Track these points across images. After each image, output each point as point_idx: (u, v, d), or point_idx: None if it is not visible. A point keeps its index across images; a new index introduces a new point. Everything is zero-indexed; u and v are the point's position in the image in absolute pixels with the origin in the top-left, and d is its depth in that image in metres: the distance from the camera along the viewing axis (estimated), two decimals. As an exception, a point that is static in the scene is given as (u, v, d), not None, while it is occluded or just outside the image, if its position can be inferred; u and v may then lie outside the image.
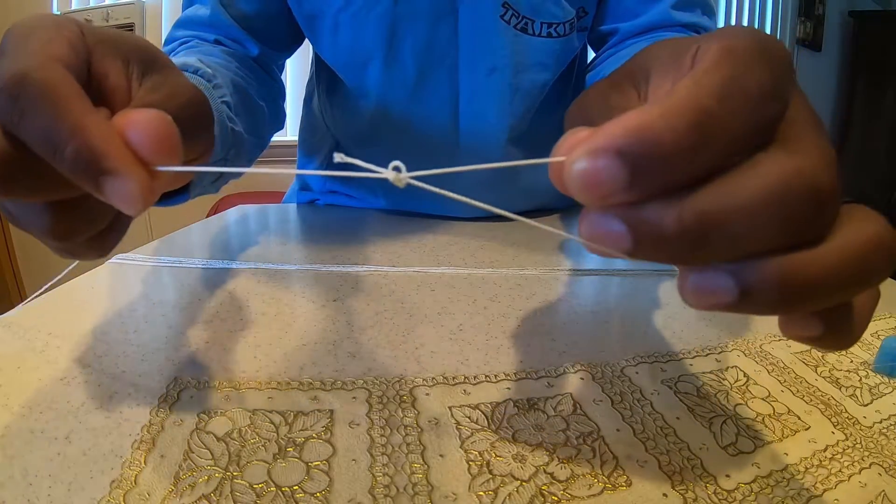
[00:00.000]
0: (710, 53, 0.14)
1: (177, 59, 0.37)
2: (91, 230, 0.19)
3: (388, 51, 0.50)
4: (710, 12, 0.55)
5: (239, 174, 0.46)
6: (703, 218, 0.13)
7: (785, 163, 0.13)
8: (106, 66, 0.20)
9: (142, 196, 0.16)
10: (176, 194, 0.31)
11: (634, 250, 0.14)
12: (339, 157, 0.16)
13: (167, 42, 0.51)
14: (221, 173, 0.37)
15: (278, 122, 0.56)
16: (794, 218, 0.13)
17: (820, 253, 0.13)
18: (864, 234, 0.14)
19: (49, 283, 0.35)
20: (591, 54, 0.60)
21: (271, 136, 0.55)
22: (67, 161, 0.15)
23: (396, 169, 0.15)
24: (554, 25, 0.51)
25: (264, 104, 0.48)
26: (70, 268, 0.31)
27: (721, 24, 2.09)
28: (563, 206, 0.65)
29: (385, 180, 0.15)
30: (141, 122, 0.16)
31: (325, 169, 0.67)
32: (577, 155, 0.13)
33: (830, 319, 0.15)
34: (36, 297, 0.36)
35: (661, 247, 0.13)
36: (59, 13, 1.61)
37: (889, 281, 0.43)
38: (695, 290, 0.14)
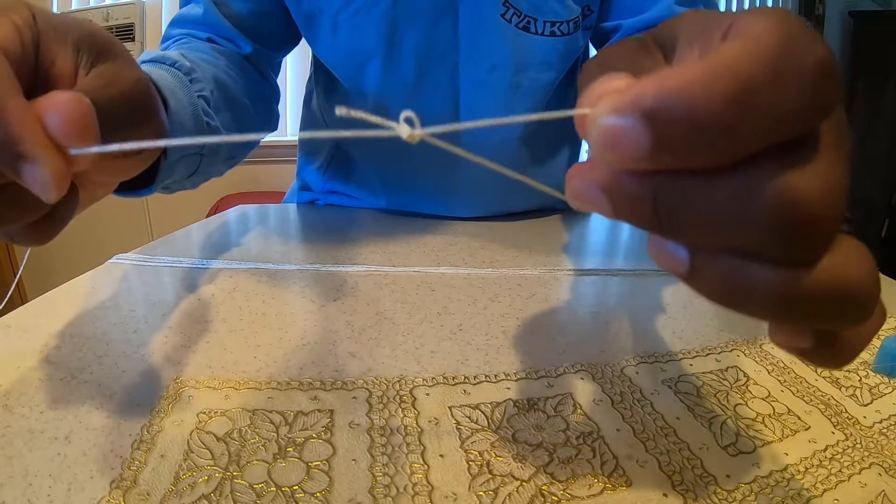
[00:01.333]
0: (759, 22, 0.12)
1: (158, 53, 0.36)
2: (25, 218, 0.18)
3: (389, 50, 0.50)
4: (713, 8, 0.54)
5: (221, 172, 0.45)
6: (678, 215, 0.12)
7: (781, 177, 0.12)
8: (54, 52, 0.20)
9: (55, 183, 0.16)
10: (141, 186, 0.31)
11: (613, 217, 0.14)
12: (341, 111, 0.14)
13: (164, 40, 0.51)
14: (196, 168, 0.36)
15: (269, 122, 0.56)
16: (771, 240, 0.12)
17: (784, 277, 0.13)
18: (835, 275, 0.13)
19: (17, 277, 0.35)
20: (592, 53, 0.60)
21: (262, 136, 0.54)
22: None
23: (408, 121, 0.14)
24: (557, 24, 0.51)
25: (250, 103, 0.48)
26: (24, 262, 0.31)
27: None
28: (564, 207, 0.65)
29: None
30: (55, 105, 0.16)
31: (327, 169, 0.66)
32: (602, 109, 0.12)
33: (821, 335, 0.15)
34: (11, 293, 0.36)
35: (636, 222, 0.13)
36: (58, 12, 1.61)
37: (889, 281, 0.43)
38: (655, 247, 0.14)
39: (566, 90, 0.58)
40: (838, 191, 0.12)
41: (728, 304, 0.14)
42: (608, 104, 0.12)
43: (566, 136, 0.64)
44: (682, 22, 0.17)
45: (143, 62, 0.35)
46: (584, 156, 0.77)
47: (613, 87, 0.12)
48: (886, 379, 0.30)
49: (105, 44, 0.21)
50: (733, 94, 0.11)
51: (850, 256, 0.13)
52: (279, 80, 0.59)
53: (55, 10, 1.62)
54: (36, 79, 0.19)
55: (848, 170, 0.13)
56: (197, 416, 0.25)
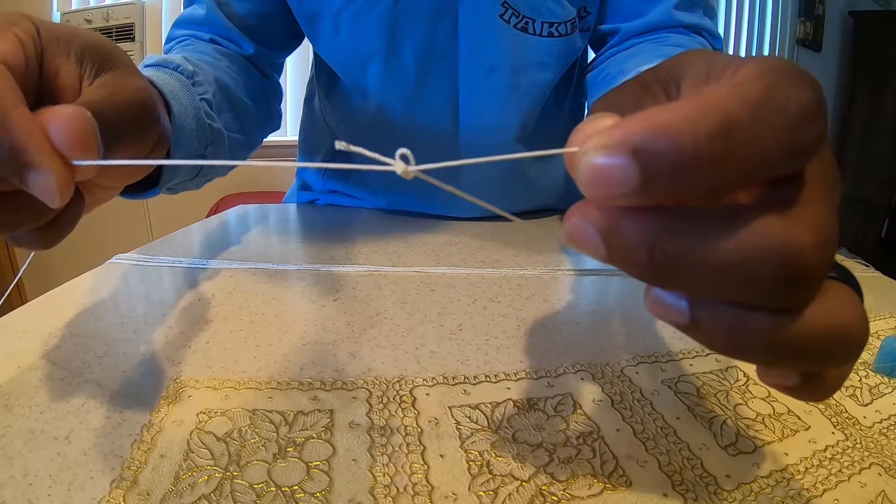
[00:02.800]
0: (749, 68, 0.13)
1: (161, 57, 0.37)
2: (31, 223, 0.19)
3: (389, 50, 0.50)
4: (712, 13, 0.54)
5: (224, 172, 0.45)
6: (672, 262, 0.13)
7: (774, 231, 0.12)
8: (58, 63, 0.20)
9: (59, 190, 0.16)
10: (145, 188, 0.31)
11: (607, 262, 0.14)
12: (340, 145, 0.15)
13: (167, 41, 0.51)
14: (200, 170, 0.36)
15: (272, 122, 0.56)
16: (764, 290, 0.12)
17: (779, 324, 0.13)
18: (826, 320, 0.13)
19: (17, 278, 0.35)
20: (591, 55, 0.60)
21: (264, 135, 0.55)
22: None
23: (404, 158, 0.14)
24: (555, 25, 0.51)
25: (253, 103, 0.48)
26: (27, 262, 0.31)
27: (721, 24, 2.09)
28: (566, 207, 0.65)
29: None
30: (59, 118, 0.17)
31: (327, 169, 0.66)
32: (590, 147, 0.12)
33: (808, 373, 0.15)
34: (11, 293, 0.36)
35: (631, 269, 0.13)
36: (59, 13, 1.61)
37: (889, 281, 0.43)
38: (654, 300, 0.15)
39: (564, 91, 0.58)
40: (828, 242, 0.12)
41: (727, 353, 0.14)
42: (597, 141, 0.12)
43: (565, 137, 0.64)
44: (686, 61, 0.17)
45: (147, 66, 0.35)
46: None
47: (602, 126, 0.13)
48: (886, 379, 0.30)
49: (107, 53, 0.21)
50: (716, 132, 0.11)
51: (839, 302, 0.13)
52: (280, 80, 0.59)
53: (55, 10, 1.62)
54: (40, 90, 0.20)
55: (836, 216, 0.13)
56: (197, 415, 0.25)
